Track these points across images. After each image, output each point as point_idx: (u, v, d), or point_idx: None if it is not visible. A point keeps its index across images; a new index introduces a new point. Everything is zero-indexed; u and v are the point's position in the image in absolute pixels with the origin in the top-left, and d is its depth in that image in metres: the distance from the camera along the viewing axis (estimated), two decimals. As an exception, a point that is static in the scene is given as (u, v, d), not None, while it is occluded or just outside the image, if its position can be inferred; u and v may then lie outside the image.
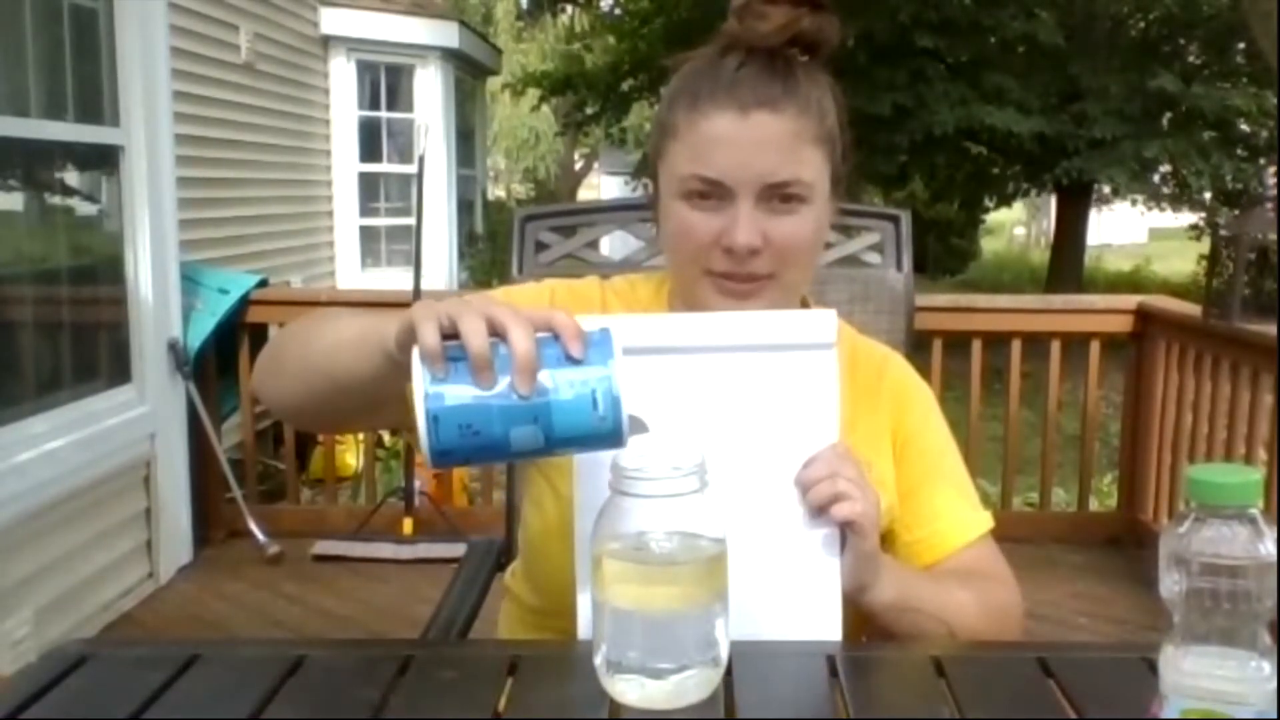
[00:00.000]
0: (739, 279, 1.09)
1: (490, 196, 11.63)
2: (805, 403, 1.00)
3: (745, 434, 1.00)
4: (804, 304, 1.22)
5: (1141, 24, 12.12)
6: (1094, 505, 4.27)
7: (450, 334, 0.81)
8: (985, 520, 1.17)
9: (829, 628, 1.00)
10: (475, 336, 0.80)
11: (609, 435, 0.81)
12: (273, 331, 1.00)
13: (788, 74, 1.08)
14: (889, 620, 1.05)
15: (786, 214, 1.08)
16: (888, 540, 1.13)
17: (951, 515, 1.16)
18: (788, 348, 1.01)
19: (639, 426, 0.83)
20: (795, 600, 1.00)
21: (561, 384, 0.80)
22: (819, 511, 0.98)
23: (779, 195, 1.07)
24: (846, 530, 0.98)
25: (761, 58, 1.09)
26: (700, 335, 1.01)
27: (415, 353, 0.81)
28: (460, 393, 0.79)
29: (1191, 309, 3.58)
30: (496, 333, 0.80)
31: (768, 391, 1.00)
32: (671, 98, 1.12)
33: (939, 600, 1.07)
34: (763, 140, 1.06)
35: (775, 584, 0.98)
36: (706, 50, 1.12)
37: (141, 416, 3.44)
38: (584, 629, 0.99)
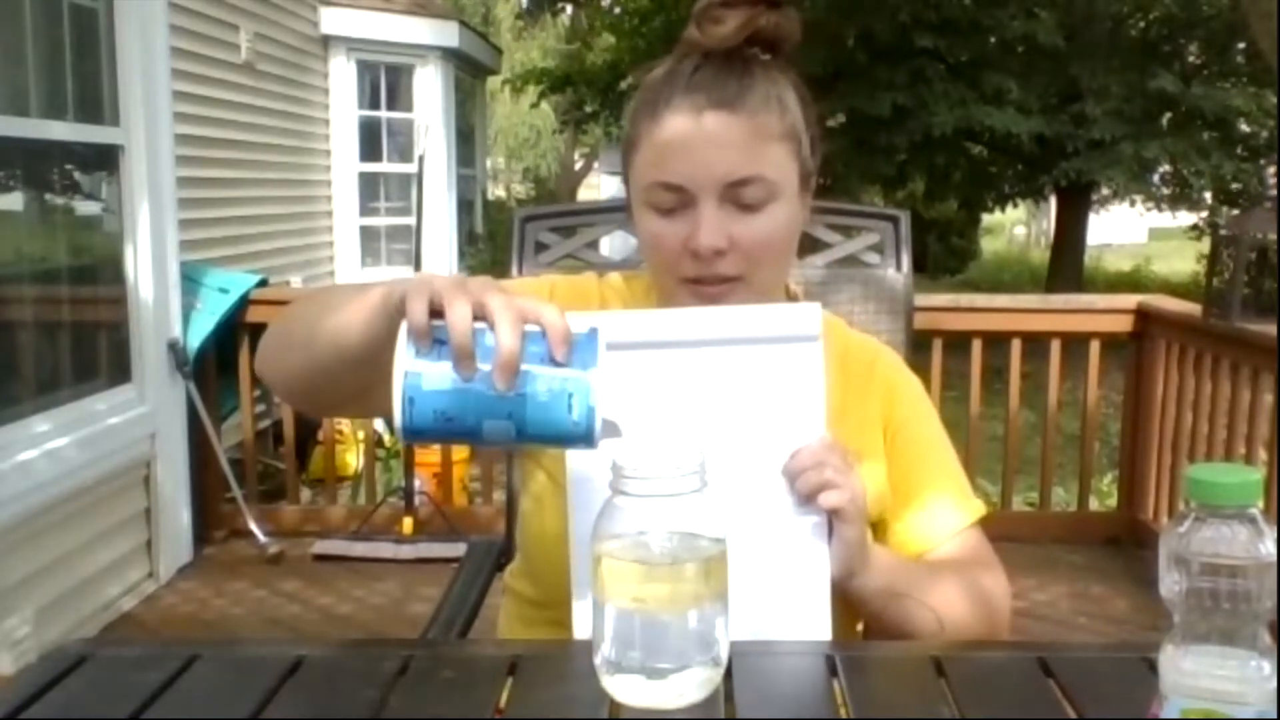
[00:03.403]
0: (709, 282, 1.09)
1: (490, 196, 11.63)
2: (791, 395, 1.01)
3: (732, 427, 1.01)
4: (793, 298, 1.23)
5: (1141, 24, 12.11)
6: (1094, 505, 4.27)
7: (440, 312, 0.81)
8: (975, 509, 1.18)
9: (819, 616, 1.01)
10: (459, 325, 0.79)
11: (580, 439, 0.81)
12: (265, 333, 1.00)
13: (744, 73, 1.08)
14: (877, 607, 1.06)
15: (752, 213, 1.08)
16: (879, 529, 1.14)
17: (941, 504, 1.17)
18: (773, 341, 1.02)
19: (612, 431, 0.83)
20: (785, 588, 1.01)
21: (540, 383, 0.80)
22: (807, 500, 0.99)
23: (743, 194, 1.07)
24: (834, 518, 0.99)
25: (717, 60, 1.09)
26: (686, 330, 1.02)
27: (402, 326, 0.81)
28: (438, 378, 0.80)
29: (1191, 309, 3.58)
30: (485, 319, 0.80)
31: (754, 385, 1.01)
32: (633, 110, 1.13)
33: (927, 587, 1.08)
34: (719, 140, 1.06)
35: (765, 573, 0.99)
36: (667, 59, 1.13)
37: (141, 416, 3.44)
38: (580, 629, 0.99)
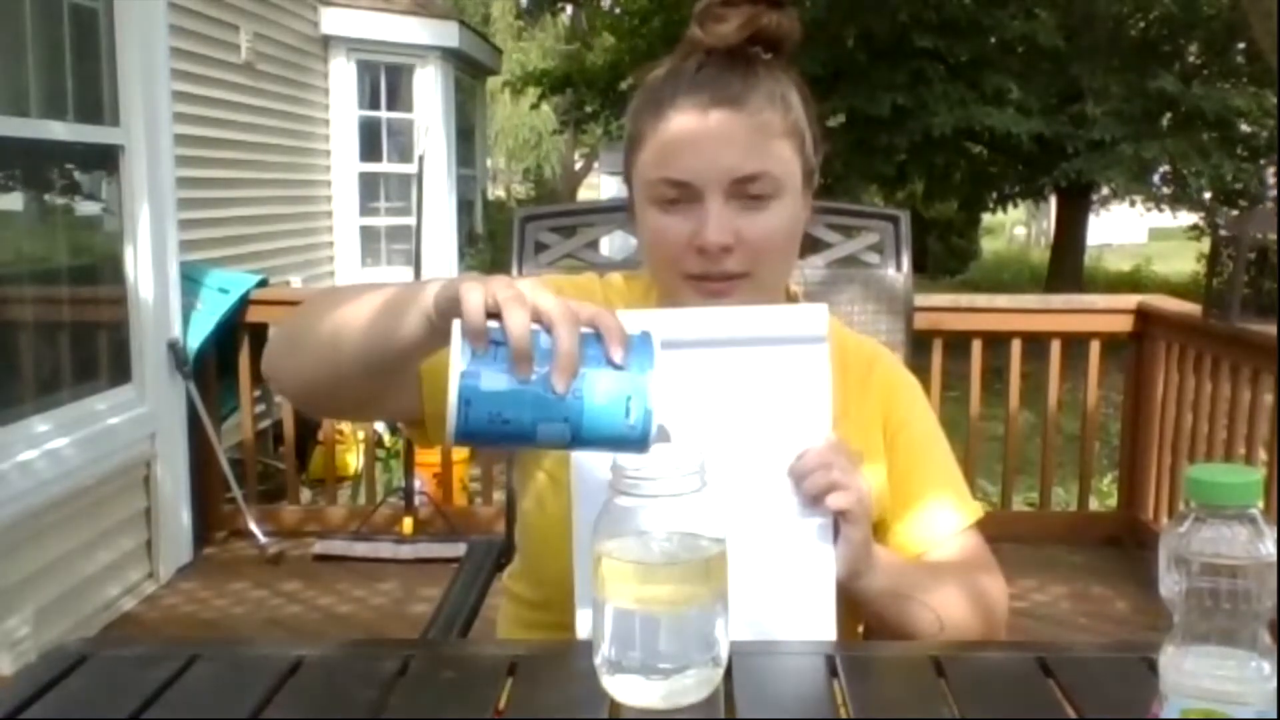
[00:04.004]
0: (715, 279, 1.09)
1: (490, 196, 11.62)
2: (798, 396, 1.01)
3: (739, 427, 1.01)
4: (793, 299, 1.23)
5: (1141, 24, 12.11)
6: (1094, 505, 4.27)
7: (494, 313, 0.80)
8: (973, 511, 1.18)
9: (824, 617, 1.01)
10: (518, 326, 0.78)
11: (635, 442, 0.80)
12: (273, 332, 0.99)
13: (748, 71, 1.09)
14: (880, 607, 1.06)
15: (758, 210, 1.08)
16: (879, 529, 1.14)
17: (940, 506, 1.17)
18: (780, 342, 1.02)
19: (663, 435, 0.82)
20: (790, 589, 1.01)
21: (598, 387, 0.79)
22: (813, 501, 0.99)
23: (748, 190, 1.08)
24: (840, 519, 1.00)
25: (721, 58, 1.10)
26: (692, 330, 1.02)
27: (456, 325, 0.80)
28: (496, 379, 0.78)
29: (1191, 309, 3.58)
30: (541, 322, 0.79)
31: (761, 385, 1.01)
32: (637, 108, 1.13)
33: (928, 588, 1.08)
34: (726, 136, 1.07)
35: (770, 573, 0.99)
36: (669, 58, 1.13)
37: (141, 416, 3.44)
38: (581, 629, 0.99)
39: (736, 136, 1.07)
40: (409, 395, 1.01)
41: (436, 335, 0.83)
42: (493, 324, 0.79)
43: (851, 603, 1.05)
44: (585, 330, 0.80)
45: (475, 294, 0.80)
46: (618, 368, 0.80)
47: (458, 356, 0.79)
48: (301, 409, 0.99)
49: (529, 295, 0.80)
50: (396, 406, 1.07)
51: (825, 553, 1.00)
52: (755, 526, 0.98)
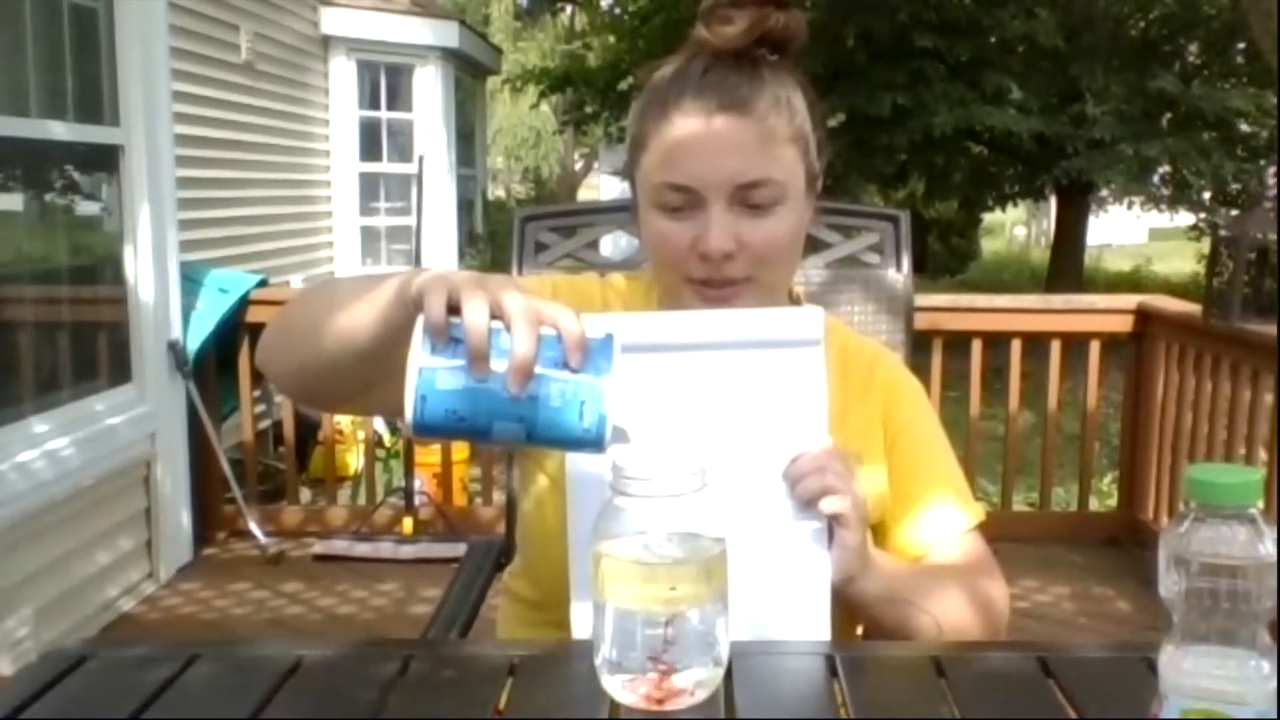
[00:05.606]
0: (717, 284, 1.09)
1: (490, 196, 11.62)
2: (793, 399, 1.01)
3: (734, 431, 1.00)
4: (795, 300, 1.23)
5: (1141, 24, 12.10)
6: (1094, 505, 4.27)
7: (457, 309, 0.80)
8: (975, 513, 1.18)
9: (818, 620, 1.00)
10: (476, 327, 0.79)
11: (590, 444, 0.81)
12: (268, 324, 0.99)
13: (754, 74, 1.08)
14: (876, 612, 1.06)
15: (761, 216, 1.08)
16: (879, 532, 1.14)
17: (941, 508, 1.16)
18: (774, 345, 1.01)
19: (620, 437, 0.83)
20: (785, 593, 1.00)
21: (553, 388, 0.80)
22: (807, 505, 0.99)
23: (752, 196, 1.07)
24: (834, 524, 0.99)
25: (727, 60, 1.09)
26: (687, 333, 1.02)
27: (419, 322, 0.81)
28: (452, 377, 0.80)
29: (1191, 309, 3.58)
30: (502, 320, 0.80)
31: (755, 388, 1.01)
32: (641, 109, 1.13)
33: (926, 592, 1.08)
34: (731, 142, 1.06)
35: (765, 577, 0.99)
36: (674, 58, 1.12)
37: (141, 416, 3.44)
38: (578, 629, 0.99)
39: (741, 143, 1.06)
40: (397, 388, 1.00)
41: (411, 327, 0.83)
42: (454, 320, 0.80)
43: (849, 606, 1.04)
44: (547, 331, 0.80)
45: (439, 289, 0.81)
46: (574, 371, 0.80)
47: (417, 351, 0.80)
48: (295, 401, 0.98)
49: (493, 292, 0.81)
50: (387, 399, 1.07)
51: (820, 557, 1.00)
52: (750, 530, 0.98)
